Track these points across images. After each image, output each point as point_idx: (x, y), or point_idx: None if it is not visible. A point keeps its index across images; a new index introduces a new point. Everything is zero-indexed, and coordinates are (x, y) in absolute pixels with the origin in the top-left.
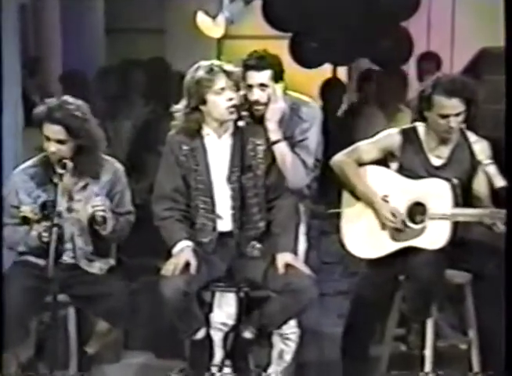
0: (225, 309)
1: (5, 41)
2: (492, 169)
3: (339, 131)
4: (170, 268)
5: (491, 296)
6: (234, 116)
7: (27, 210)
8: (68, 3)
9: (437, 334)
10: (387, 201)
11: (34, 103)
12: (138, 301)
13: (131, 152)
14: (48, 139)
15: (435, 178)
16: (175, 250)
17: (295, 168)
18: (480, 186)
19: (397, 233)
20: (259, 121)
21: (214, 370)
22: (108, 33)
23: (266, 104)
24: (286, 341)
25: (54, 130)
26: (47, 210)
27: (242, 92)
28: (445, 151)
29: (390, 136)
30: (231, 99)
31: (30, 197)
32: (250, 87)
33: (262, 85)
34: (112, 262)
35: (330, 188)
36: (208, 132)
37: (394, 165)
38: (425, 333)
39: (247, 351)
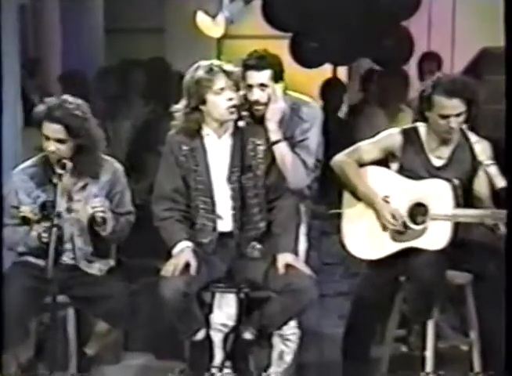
0: (225, 310)
1: (4, 41)
2: (493, 170)
3: (339, 131)
4: (170, 269)
5: (492, 297)
6: (234, 116)
7: (26, 210)
8: (68, 3)
9: (438, 335)
10: (387, 202)
11: (34, 103)
12: (137, 302)
13: (130, 152)
14: (48, 138)
15: (436, 179)
16: (175, 250)
17: (295, 168)
18: (481, 186)
19: (398, 233)
20: (259, 121)
21: (214, 371)
22: (107, 33)
23: (266, 104)
24: (287, 342)
25: (54, 129)
26: (47, 210)
27: (242, 92)
28: (446, 152)
29: (391, 136)
30: (231, 99)
31: (30, 197)
32: (250, 87)
33: (262, 85)
34: (112, 262)
35: (331, 188)
36: (208, 132)
37: (394, 166)
38: (426, 334)
39: (247, 352)
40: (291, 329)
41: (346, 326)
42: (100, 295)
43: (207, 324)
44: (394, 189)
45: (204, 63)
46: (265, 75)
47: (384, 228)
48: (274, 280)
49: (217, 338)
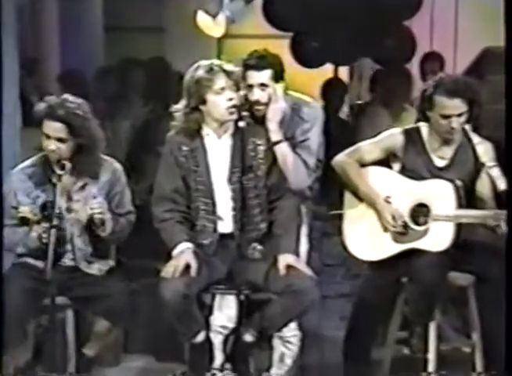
0: (225, 312)
1: (3, 41)
2: (496, 171)
3: (340, 131)
4: (170, 270)
5: (494, 298)
6: (234, 116)
7: (26, 210)
8: (66, 3)
9: (440, 337)
10: (389, 202)
11: (33, 103)
12: (137, 303)
13: (130, 152)
14: (49, 136)
15: (438, 180)
16: (175, 252)
17: (296, 168)
18: (483, 187)
19: (399, 234)
20: (260, 121)
21: (214, 373)
22: (107, 32)
23: (267, 104)
24: (287, 344)
25: (55, 127)
26: (47, 211)
27: (242, 92)
28: (448, 152)
29: (392, 136)
30: (231, 99)
31: (29, 198)
32: (250, 87)
33: (263, 85)
34: (111, 263)
35: (332, 189)
36: (208, 133)
37: (396, 166)
38: (428, 336)
39: (248, 354)
40: (292, 331)
41: (347, 328)
42: (100, 294)
43: (207, 326)
44: (395, 190)
45: (204, 62)
46: (265, 75)
47: (386, 229)
48: (275, 281)
49: (217, 339)
